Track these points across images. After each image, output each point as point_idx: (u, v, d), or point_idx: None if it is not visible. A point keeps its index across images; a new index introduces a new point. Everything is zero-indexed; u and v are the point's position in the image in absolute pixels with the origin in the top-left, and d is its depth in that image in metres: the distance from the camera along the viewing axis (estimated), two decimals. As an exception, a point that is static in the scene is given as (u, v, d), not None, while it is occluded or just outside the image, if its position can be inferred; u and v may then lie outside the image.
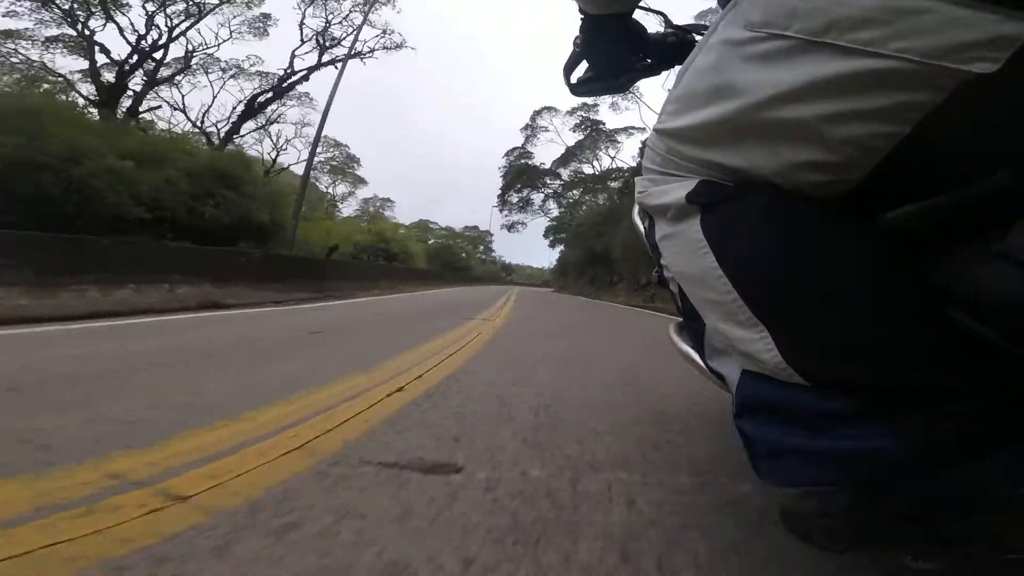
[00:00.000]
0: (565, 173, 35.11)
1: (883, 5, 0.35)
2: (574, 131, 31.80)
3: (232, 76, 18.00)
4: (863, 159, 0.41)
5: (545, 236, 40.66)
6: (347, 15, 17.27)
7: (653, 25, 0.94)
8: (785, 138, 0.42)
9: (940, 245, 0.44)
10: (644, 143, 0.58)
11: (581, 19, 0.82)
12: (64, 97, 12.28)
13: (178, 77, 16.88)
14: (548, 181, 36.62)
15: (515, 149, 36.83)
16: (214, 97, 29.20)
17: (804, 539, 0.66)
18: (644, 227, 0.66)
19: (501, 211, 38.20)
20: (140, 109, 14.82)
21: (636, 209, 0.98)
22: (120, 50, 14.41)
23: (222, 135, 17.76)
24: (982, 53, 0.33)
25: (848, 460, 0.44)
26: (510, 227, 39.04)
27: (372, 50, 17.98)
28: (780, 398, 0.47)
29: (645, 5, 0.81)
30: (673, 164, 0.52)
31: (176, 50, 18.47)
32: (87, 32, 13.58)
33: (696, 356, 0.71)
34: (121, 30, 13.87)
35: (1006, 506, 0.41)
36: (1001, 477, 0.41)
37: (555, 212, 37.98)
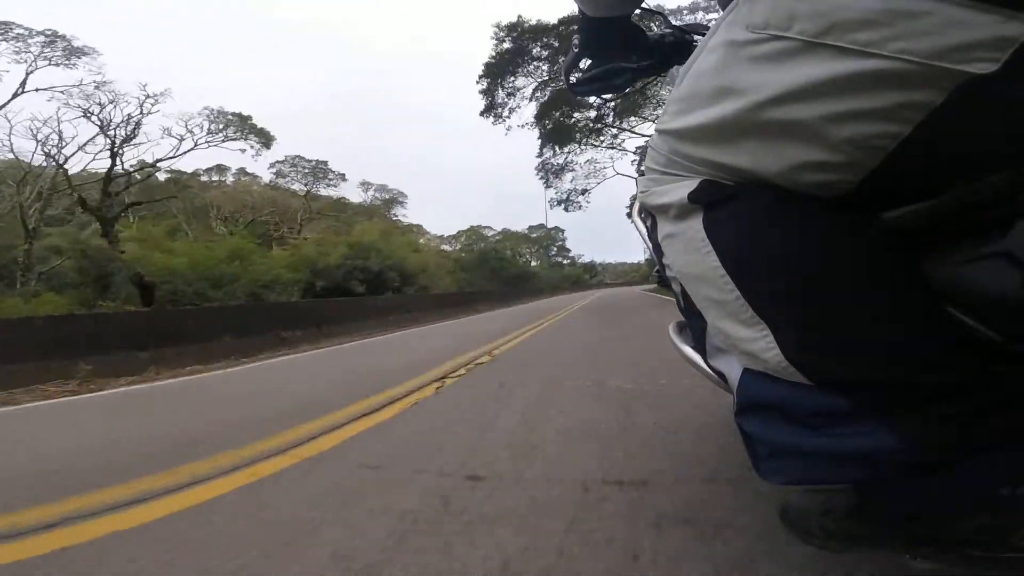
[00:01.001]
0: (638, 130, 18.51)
1: (882, 7, 0.36)
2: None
3: None
4: (864, 159, 0.41)
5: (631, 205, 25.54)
6: None
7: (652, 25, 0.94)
8: (786, 138, 0.42)
9: (940, 245, 0.44)
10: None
11: (580, 20, 0.82)
12: None
13: None
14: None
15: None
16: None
17: (804, 538, 0.66)
18: (647, 226, 0.66)
19: (541, 177, 22.15)
20: None
21: (636, 208, 0.98)
22: None
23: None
24: (981, 54, 0.33)
25: (849, 458, 0.44)
26: (565, 204, 22.71)
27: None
28: (781, 397, 0.47)
29: (646, 5, 0.81)
30: (676, 164, 0.52)
31: None
32: None
33: (696, 357, 0.71)
34: None
35: (1006, 506, 0.42)
36: (1001, 476, 0.41)
37: (631, 154, 20.97)
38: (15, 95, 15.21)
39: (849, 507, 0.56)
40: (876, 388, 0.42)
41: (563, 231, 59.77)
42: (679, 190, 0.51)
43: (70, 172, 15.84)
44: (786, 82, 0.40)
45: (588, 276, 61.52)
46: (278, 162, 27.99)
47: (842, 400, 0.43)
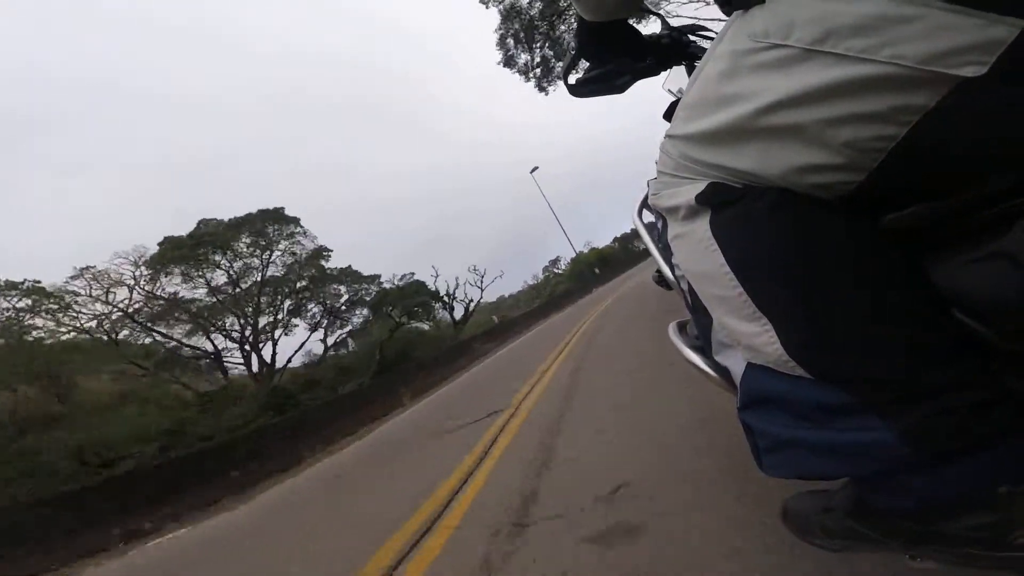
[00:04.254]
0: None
1: (874, 14, 0.37)
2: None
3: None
4: (863, 161, 0.41)
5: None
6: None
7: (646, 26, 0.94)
8: (788, 141, 0.44)
9: (940, 245, 0.45)
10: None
11: (577, 23, 0.82)
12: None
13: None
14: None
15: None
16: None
17: (803, 537, 0.67)
18: (659, 227, 0.67)
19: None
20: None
21: (636, 209, 0.98)
22: None
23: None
24: (971, 57, 0.34)
25: (849, 452, 0.45)
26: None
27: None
28: (783, 391, 0.48)
29: (645, 6, 0.82)
30: (684, 167, 0.53)
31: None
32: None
33: (696, 358, 0.71)
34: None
35: (1005, 504, 0.42)
36: (1001, 475, 0.41)
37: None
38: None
39: (849, 506, 0.57)
40: (875, 383, 0.43)
41: (297, 221, 22.00)
42: (687, 192, 0.52)
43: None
44: (787, 88, 0.41)
45: (452, 320, 28.31)
46: None
47: (842, 394, 0.44)
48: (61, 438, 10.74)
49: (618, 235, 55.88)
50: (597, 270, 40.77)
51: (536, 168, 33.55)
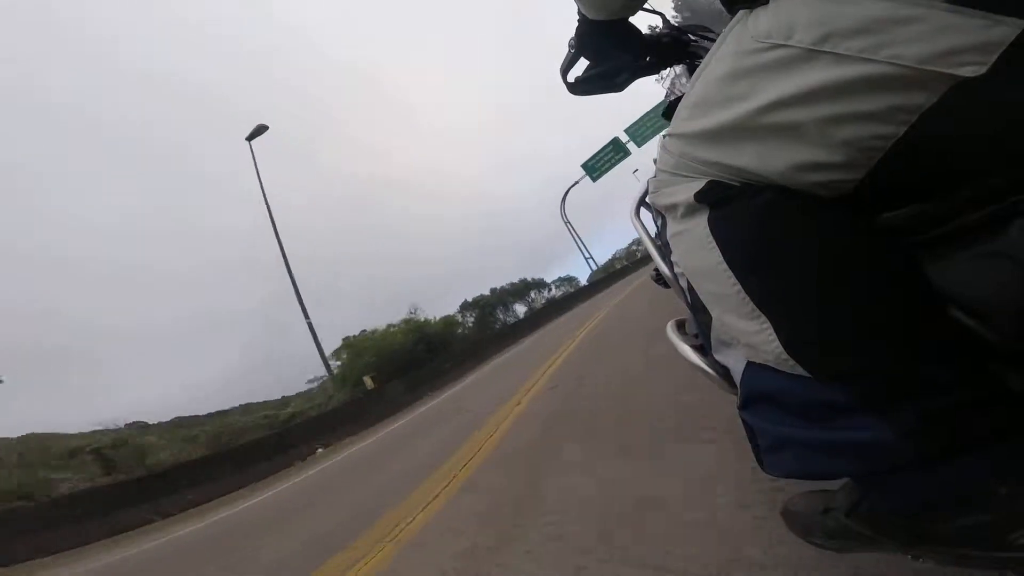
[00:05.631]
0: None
1: (875, 15, 0.37)
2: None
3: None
4: (862, 159, 0.42)
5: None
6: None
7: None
8: (788, 140, 0.44)
9: (938, 244, 0.45)
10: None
11: (577, 21, 0.82)
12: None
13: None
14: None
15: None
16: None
17: (805, 537, 0.67)
18: (657, 225, 0.68)
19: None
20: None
21: (633, 207, 0.98)
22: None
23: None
24: (970, 57, 0.35)
25: (847, 451, 0.45)
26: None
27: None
28: (782, 389, 0.48)
29: (647, 7, 0.82)
30: (684, 166, 0.54)
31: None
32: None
33: (694, 356, 0.71)
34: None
35: (1005, 504, 0.42)
36: (999, 474, 0.41)
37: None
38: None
39: (849, 506, 0.57)
40: (873, 381, 0.43)
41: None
42: (687, 190, 0.53)
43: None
44: (787, 87, 0.42)
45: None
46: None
47: (840, 392, 0.44)
48: None
49: (469, 298, 33.17)
50: (370, 379, 14.62)
51: (264, 129, 16.96)
